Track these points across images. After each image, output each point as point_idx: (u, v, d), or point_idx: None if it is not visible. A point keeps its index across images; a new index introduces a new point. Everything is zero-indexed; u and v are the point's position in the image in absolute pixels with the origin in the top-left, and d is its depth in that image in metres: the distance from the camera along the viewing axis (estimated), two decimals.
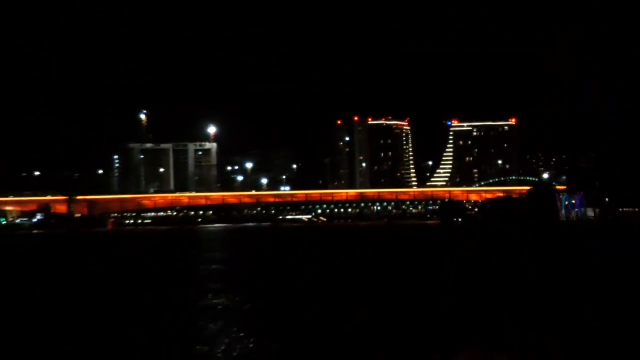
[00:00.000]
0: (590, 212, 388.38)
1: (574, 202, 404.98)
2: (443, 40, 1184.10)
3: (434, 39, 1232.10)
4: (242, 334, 68.01)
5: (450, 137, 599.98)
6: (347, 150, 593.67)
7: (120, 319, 79.33)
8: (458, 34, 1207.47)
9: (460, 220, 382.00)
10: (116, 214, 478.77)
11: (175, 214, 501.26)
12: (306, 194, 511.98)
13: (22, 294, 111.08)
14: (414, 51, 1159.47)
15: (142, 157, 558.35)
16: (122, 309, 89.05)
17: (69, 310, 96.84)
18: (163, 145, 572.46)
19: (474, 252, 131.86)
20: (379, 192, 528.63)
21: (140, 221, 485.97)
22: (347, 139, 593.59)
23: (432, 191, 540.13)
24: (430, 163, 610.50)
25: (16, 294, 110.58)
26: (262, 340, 64.24)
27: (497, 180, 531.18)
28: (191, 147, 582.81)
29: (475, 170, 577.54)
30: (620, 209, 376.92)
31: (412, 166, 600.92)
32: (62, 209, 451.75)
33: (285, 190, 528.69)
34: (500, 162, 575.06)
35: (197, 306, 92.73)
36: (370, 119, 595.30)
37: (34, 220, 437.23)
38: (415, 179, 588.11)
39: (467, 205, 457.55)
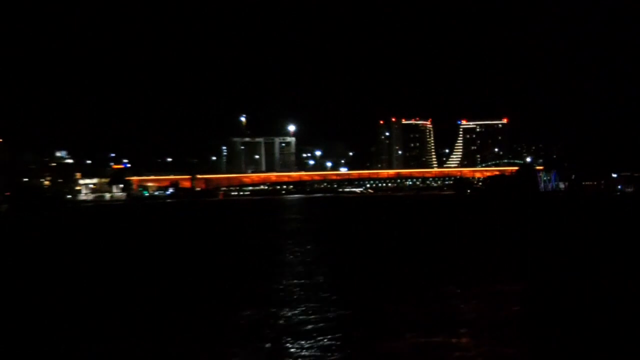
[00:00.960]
0: (561, 185, 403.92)
1: (549, 177, 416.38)
2: (451, 50, 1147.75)
3: (443, 49, 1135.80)
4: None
5: (460, 132, 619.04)
6: (387, 141, 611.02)
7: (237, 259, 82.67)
8: (464, 46, 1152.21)
9: (469, 191, 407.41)
10: (224, 188, 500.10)
11: (266, 187, 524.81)
12: (358, 173, 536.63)
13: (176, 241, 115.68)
14: (427, 59, 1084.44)
15: (242, 147, 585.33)
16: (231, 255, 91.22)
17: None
18: (257, 139, 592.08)
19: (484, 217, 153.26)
20: (410, 172, 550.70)
21: (241, 193, 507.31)
22: (387, 133, 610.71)
23: (448, 170, 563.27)
24: (447, 150, 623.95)
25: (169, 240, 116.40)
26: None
27: (493, 162, 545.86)
28: (277, 140, 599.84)
29: (478, 156, 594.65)
30: (583, 182, 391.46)
31: (433, 153, 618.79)
32: (187, 184, 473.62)
33: (344, 170, 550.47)
34: (495, 149, 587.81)
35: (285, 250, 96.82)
36: (403, 120, 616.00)
37: (167, 192, 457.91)
38: (435, 162, 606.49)
39: (473, 180, 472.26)
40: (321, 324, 44.33)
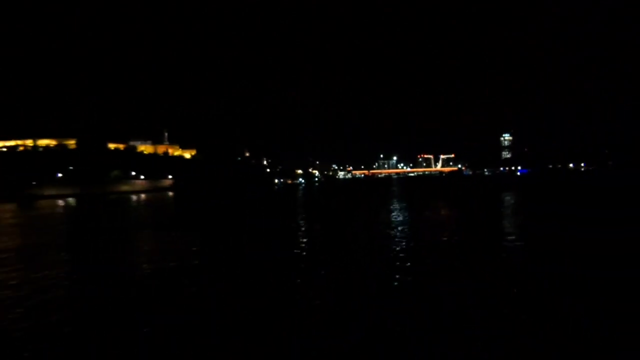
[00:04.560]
0: (470, 172, 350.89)
1: (468, 171, 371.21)
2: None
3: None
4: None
5: (440, 158, 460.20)
6: (420, 160, 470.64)
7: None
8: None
9: (443, 174, 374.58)
10: (377, 175, 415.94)
11: (387, 175, 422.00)
12: (413, 170, 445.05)
13: None
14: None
15: (382, 162, 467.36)
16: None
17: None
18: (386, 160, 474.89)
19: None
20: (425, 170, 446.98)
21: (380, 176, 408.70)
22: (420, 159, 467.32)
23: (437, 169, 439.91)
24: (438, 163, 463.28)
25: None
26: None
27: (449, 167, 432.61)
28: (391, 161, 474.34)
29: (445, 164, 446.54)
30: (476, 171, 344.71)
31: (432, 164, 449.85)
32: (366, 173, 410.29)
33: (409, 169, 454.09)
34: (450, 163, 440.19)
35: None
36: (425, 155, 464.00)
37: (362, 176, 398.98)
38: (433, 167, 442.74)
39: (443, 172, 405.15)
40: (400, 203, 41.36)
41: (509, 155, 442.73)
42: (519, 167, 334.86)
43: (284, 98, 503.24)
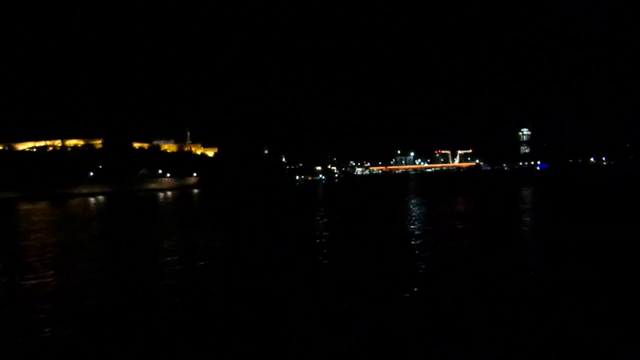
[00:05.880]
0: (488, 167, 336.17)
1: (486, 166, 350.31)
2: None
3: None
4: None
5: (457, 153, 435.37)
6: (437, 156, 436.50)
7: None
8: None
9: (462, 170, 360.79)
10: (394, 171, 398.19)
11: (405, 171, 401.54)
12: (431, 166, 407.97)
13: None
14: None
15: (399, 158, 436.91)
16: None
17: None
18: (402, 157, 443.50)
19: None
20: (444, 165, 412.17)
21: (397, 172, 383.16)
22: (437, 155, 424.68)
23: (455, 165, 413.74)
24: (456, 158, 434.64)
25: None
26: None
27: (467, 162, 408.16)
28: (408, 157, 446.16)
29: (463, 159, 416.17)
30: (495, 166, 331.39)
31: (450, 159, 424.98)
32: (383, 169, 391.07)
33: (427, 165, 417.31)
34: (469, 158, 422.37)
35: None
36: (442, 151, 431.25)
37: (380, 172, 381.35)
38: (451, 162, 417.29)
39: (461, 168, 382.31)
40: (416, 199, 41.52)
41: (527, 150, 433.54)
42: (539, 162, 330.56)
43: (284, 98, 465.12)
